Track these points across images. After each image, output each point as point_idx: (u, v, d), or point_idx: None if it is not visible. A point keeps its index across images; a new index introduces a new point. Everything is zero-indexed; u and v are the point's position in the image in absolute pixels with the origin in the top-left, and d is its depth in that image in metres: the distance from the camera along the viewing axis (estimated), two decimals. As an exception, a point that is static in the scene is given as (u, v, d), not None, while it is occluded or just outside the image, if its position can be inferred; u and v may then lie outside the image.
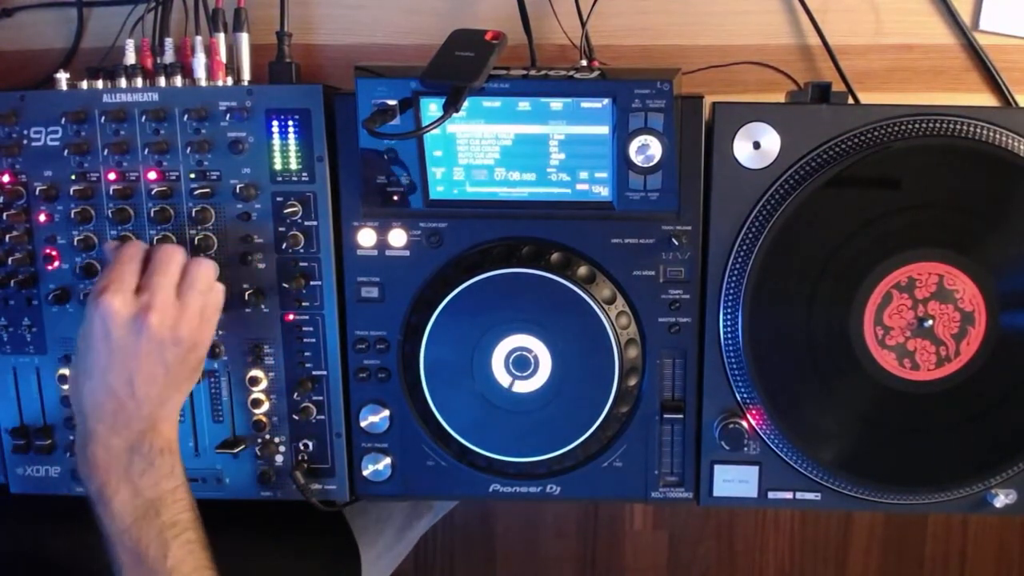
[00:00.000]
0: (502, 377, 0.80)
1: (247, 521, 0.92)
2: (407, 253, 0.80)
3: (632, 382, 0.80)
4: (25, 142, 0.79)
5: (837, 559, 1.65)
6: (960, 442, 0.79)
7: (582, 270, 0.78)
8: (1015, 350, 0.77)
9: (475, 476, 0.84)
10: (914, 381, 0.78)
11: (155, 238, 0.80)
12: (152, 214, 0.79)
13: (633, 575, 1.68)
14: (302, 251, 0.80)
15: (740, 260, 0.77)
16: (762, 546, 1.66)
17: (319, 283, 0.81)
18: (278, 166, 0.79)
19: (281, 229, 0.80)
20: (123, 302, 0.70)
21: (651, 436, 0.82)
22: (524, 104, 0.75)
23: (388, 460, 0.84)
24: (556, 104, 0.75)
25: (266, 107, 0.78)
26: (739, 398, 0.80)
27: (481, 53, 0.73)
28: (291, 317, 0.81)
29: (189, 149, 0.78)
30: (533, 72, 0.75)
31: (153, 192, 0.79)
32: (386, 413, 0.83)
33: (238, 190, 0.79)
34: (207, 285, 0.74)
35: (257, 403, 0.83)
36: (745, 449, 0.81)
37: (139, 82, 0.80)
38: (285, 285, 0.80)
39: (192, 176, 0.79)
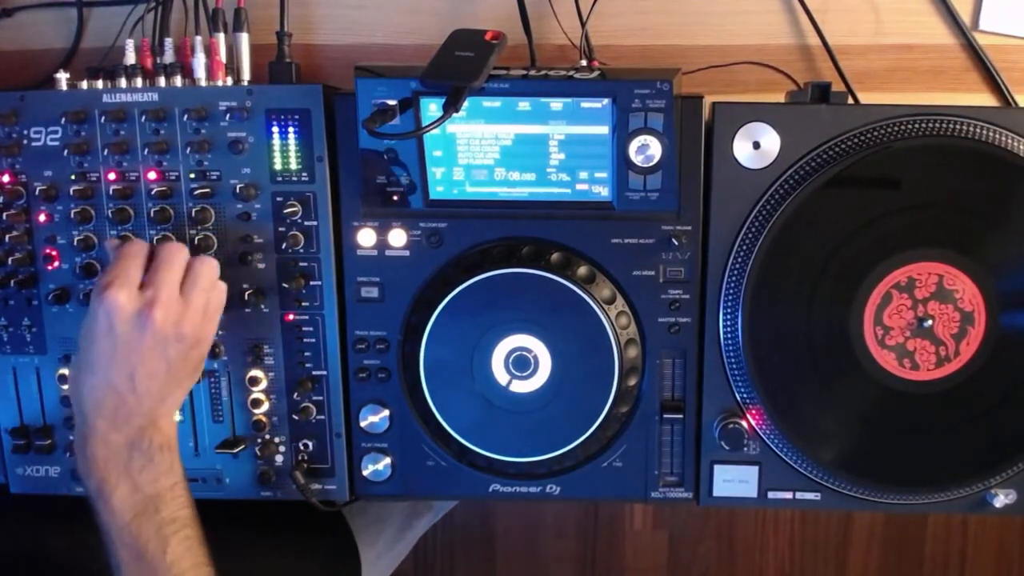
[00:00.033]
0: (502, 377, 0.80)
1: (247, 521, 0.92)
2: (407, 253, 0.80)
3: (632, 382, 0.80)
4: (25, 142, 0.79)
5: (837, 559, 1.65)
6: (960, 442, 0.79)
7: (582, 270, 0.78)
8: (1015, 350, 0.77)
9: (475, 476, 0.84)
10: (914, 381, 0.78)
11: (155, 238, 0.80)
12: (152, 214, 0.79)
13: (633, 575, 1.68)
14: (302, 251, 0.80)
15: (740, 260, 0.77)
16: (762, 546, 1.66)
17: (319, 283, 0.81)
18: (278, 166, 0.79)
19: (281, 229, 0.80)
20: (128, 297, 0.70)
21: (651, 436, 0.82)
22: (524, 104, 0.75)
23: (388, 460, 0.84)
24: (556, 104, 0.75)
25: (266, 107, 0.78)
26: (739, 398, 0.80)
27: (481, 53, 0.73)
28: (291, 317, 0.81)
29: (189, 149, 0.78)
30: (533, 72, 0.75)
31: (153, 192, 0.79)
32: (386, 413, 0.83)
33: (238, 190, 0.79)
34: (210, 282, 0.75)
35: (257, 403, 0.83)
36: (745, 449, 0.81)
37: (139, 82, 0.80)
38: (285, 285, 0.80)
39: (192, 176, 0.79)
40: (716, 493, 0.83)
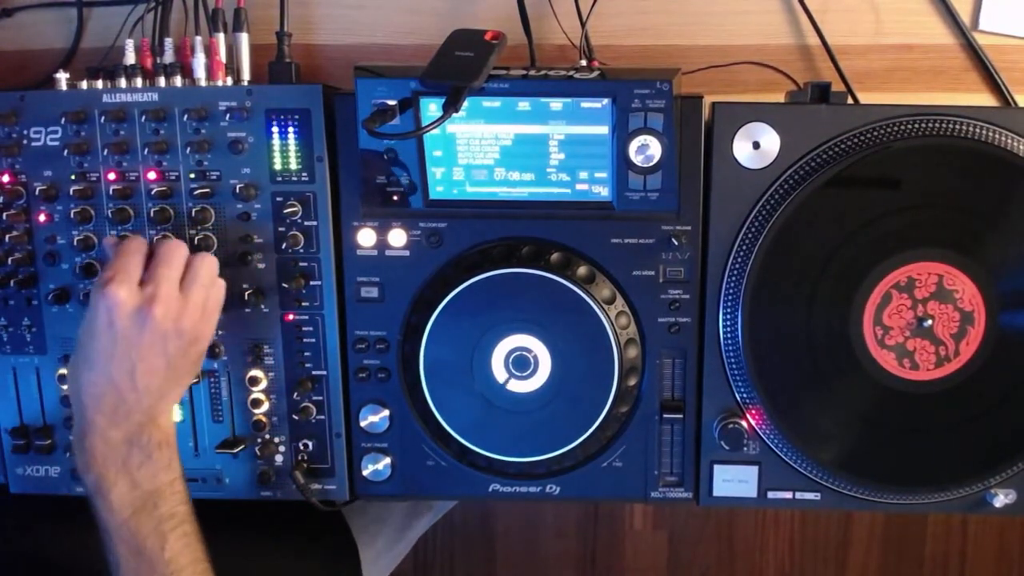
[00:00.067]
0: (502, 377, 0.80)
1: (247, 521, 0.92)
2: (407, 253, 0.80)
3: (632, 382, 0.80)
4: (25, 142, 0.79)
5: (837, 559, 1.65)
6: (960, 442, 0.79)
7: (582, 270, 0.78)
8: (1015, 350, 0.77)
9: (475, 476, 0.84)
10: (914, 381, 0.78)
11: (155, 238, 0.80)
12: (152, 214, 0.79)
13: (633, 575, 1.68)
14: (302, 251, 0.80)
15: (740, 260, 0.77)
16: (762, 546, 1.66)
17: (319, 283, 0.81)
18: (278, 166, 0.79)
19: (281, 229, 0.80)
20: (128, 293, 0.70)
21: (651, 436, 0.82)
22: (524, 104, 0.75)
23: (388, 460, 0.84)
24: (556, 104, 0.75)
25: (266, 107, 0.78)
26: (739, 398, 0.80)
27: (481, 53, 0.73)
28: (291, 317, 0.81)
29: (189, 149, 0.78)
30: (533, 72, 0.75)
31: (153, 192, 0.79)
32: (386, 413, 0.83)
33: (238, 190, 0.79)
34: (210, 279, 0.75)
35: (257, 403, 0.83)
36: (745, 449, 0.81)
37: (139, 82, 0.80)
38: (285, 285, 0.80)
39: (192, 176, 0.79)
40: (716, 493, 0.83)
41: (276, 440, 0.84)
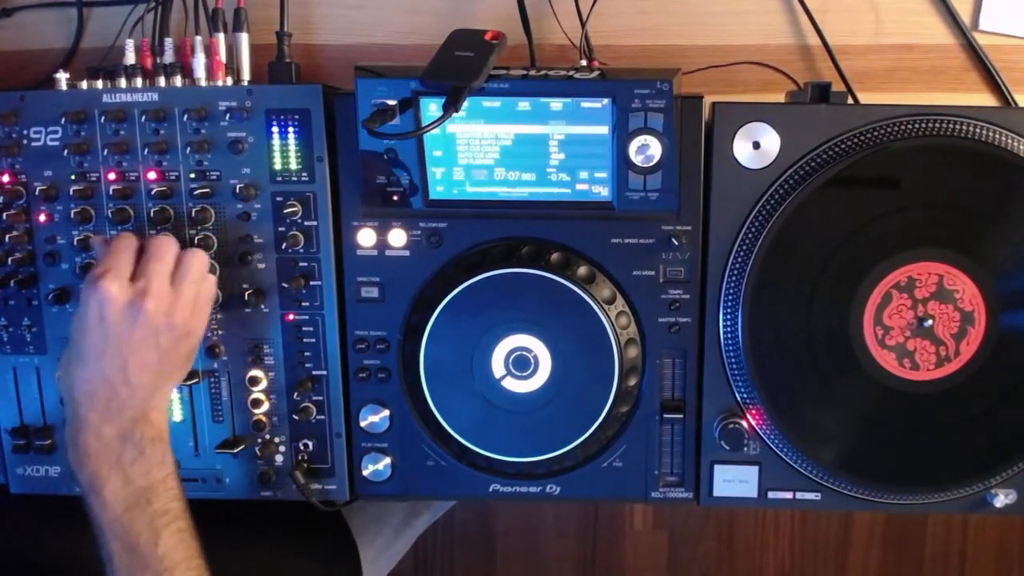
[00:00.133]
0: (502, 377, 0.80)
1: (247, 521, 0.92)
2: (407, 253, 0.80)
3: (632, 382, 0.80)
4: (25, 142, 0.79)
5: (837, 559, 1.65)
6: (960, 442, 0.79)
7: (582, 270, 0.78)
8: (1015, 350, 0.77)
9: (475, 476, 0.84)
10: (914, 381, 0.78)
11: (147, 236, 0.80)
12: (152, 214, 0.79)
13: (633, 575, 1.68)
14: (302, 251, 0.80)
15: (740, 260, 0.77)
16: (762, 546, 1.66)
17: (319, 283, 0.81)
18: (278, 166, 0.79)
19: (281, 229, 0.80)
20: (120, 288, 0.70)
21: (651, 436, 0.82)
22: (524, 104, 0.75)
23: (388, 460, 0.84)
24: (556, 104, 0.75)
25: (266, 107, 0.78)
26: (739, 398, 0.80)
27: (481, 53, 0.73)
28: (291, 317, 0.81)
29: (189, 149, 0.78)
30: (533, 72, 0.75)
31: (153, 192, 0.79)
32: (386, 413, 0.83)
33: (238, 190, 0.79)
34: (200, 274, 0.75)
35: (257, 403, 0.83)
36: (745, 449, 0.81)
37: (139, 82, 0.80)
38: (285, 285, 0.80)
39: (192, 176, 0.79)
40: (716, 493, 0.83)
41: (276, 440, 0.84)
